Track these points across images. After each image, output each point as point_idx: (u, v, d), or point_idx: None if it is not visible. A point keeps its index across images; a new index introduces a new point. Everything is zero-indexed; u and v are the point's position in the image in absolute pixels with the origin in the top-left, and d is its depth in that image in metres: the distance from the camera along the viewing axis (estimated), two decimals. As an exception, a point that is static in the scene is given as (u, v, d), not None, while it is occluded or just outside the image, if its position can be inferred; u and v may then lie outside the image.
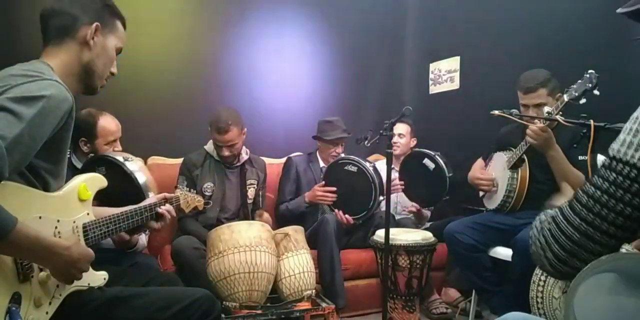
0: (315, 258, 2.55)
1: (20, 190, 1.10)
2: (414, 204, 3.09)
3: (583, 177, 1.95)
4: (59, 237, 1.19)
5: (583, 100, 1.89)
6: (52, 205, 1.19)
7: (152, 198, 1.67)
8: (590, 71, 1.87)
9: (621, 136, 0.79)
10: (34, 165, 1.12)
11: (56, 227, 1.18)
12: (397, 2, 3.85)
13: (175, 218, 2.54)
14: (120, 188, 1.71)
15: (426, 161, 2.91)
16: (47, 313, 1.17)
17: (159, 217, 1.62)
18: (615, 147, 0.79)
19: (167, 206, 1.65)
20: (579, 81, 1.92)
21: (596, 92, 1.86)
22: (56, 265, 1.13)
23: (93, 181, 1.37)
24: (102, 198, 1.44)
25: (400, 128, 3.21)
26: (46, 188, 1.19)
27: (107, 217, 1.39)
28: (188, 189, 1.93)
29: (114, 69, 1.39)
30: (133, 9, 3.01)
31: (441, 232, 2.44)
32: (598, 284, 0.86)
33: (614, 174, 0.78)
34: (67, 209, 1.25)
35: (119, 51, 1.39)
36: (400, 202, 3.18)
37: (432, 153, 2.91)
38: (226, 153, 2.59)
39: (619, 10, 0.88)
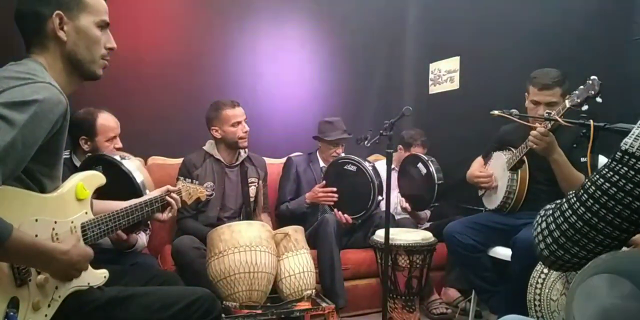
0: (315, 258, 2.54)
1: (15, 194, 1.08)
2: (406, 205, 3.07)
3: (584, 178, 1.94)
4: (57, 238, 1.17)
5: (585, 107, 1.84)
6: (49, 206, 1.17)
7: (154, 191, 1.67)
8: (592, 77, 1.81)
9: (635, 131, 0.79)
10: (29, 168, 1.09)
11: (53, 229, 1.17)
12: (397, 2, 3.84)
13: (175, 217, 2.56)
14: (118, 187, 1.71)
15: (420, 165, 2.92)
16: (46, 315, 1.16)
17: (164, 207, 1.62)
18: (628, 141, 0.79)
19: (174, 195, 1.65)
20: (581, 87, 1.86)
21: (599, 99, 1.79)
22: (55, 269, 1.13)
23: (91, 179, 1.34)
24: (99, 197, 1.43)
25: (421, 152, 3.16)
26: (43, 190, 1.17)
27: (105, 214, 1.37)
28: (190, 180, 1.93)
29: (109, 44, 1.26)
30: (133, 9, 3.04)
31: (441, 232, 2.44)
32: (598, 285, 0.86)
33: (625, 168, 0.78)
34: (64, 210, 1.23)
35: (104, 24, 1.25)
36: (399, 202, 3.18)
37: (426, 158, 2.91)
38: (245, 130, 2.59)
39: None
